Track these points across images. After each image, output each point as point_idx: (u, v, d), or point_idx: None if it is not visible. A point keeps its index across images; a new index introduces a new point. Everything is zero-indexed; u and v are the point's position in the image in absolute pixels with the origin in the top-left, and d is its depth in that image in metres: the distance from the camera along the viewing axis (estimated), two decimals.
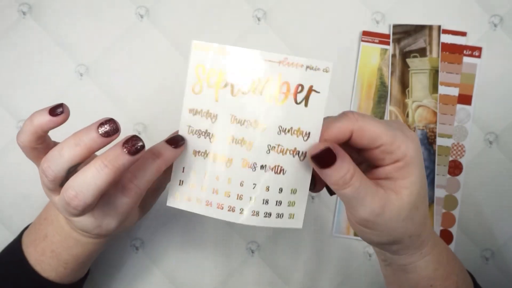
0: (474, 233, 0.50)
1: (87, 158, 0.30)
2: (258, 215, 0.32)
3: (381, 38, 0.50)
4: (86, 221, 0.33)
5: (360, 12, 0.50)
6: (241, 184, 0.32)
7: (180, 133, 0.33)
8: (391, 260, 0.36)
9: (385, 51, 0.50)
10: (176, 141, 0.32)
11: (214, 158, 0.32)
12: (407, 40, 0.49)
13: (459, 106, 0.49)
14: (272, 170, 0.32)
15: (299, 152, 0.32)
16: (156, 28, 0.50)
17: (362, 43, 0.50)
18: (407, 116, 0.49)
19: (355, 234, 0.49)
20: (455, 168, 0.49)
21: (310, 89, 0.31)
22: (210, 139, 0.32)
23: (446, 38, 0.49)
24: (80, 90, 0.50)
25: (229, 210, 0.33)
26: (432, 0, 0.50)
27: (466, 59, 0.49)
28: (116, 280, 0.49)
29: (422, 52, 0.49)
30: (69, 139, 0.30)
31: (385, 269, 0.38)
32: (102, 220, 0.33)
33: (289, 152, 0.32)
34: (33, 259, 0.38)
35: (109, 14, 0.50)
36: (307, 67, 0.31)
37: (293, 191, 0.33)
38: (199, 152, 0.33)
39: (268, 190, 0.32)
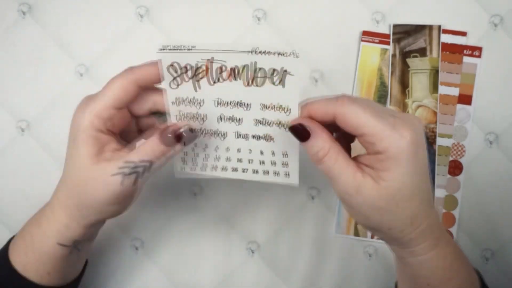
0: (474, 233, 0.50)
1: None
2: (258, 173, 0.38)
3: (381, 38, 0.50)
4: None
5: (360, 12, 0.50)
6: (239, 150, 0.37)
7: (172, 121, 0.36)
8: (390, 248, 0.36)
9: (385, 51, 0.50)
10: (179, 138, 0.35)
11: (209, 134, 0.37)
12: (407, 40, 0.49)
13: (459, 106, 0.49)
14: (262, 138, 0.36)
15: (283, 124, 0.35)
16: (156, 28, 0.50)
17: (362, 43, 0.50)
18: None
19: (356, 234, 0.49)
20: (455, 168, 0.49)
21: (284, 72, 0.34)
22: (200, 120, 0.36)
23: (446, 38, 0.49)
24: (80, 90, 0.50)
25: (233, 171, 0.38)
26: (432, 0, 0.50)
27: (466, 59, 0.49)
28: (116, 280, 0.49)
29: (422, 52, 0.49)
30: None
31: (393, 255, 0.38)
32: None
33: (275, 124, 0.36)
34: (20, 267, 0.37)
35: (109, 14, 0.50)
36: (279, 54, 0.33)
37: (285, 154, 0.37)
38: (195, 129, 0.36)
39: (263, 154, 0.37)
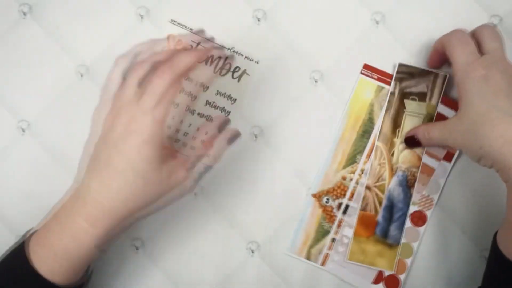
0: (474, 233, 0.50)
1: None
2: (186, 146, 0.43)
3: (380, 76, 0.49)
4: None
5: (359, 11, 0.50)
6: (181, 122, 0.45)
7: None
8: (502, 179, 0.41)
9: (381, 88, 0.49)
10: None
11: None
12: (409, 81, 0.49)
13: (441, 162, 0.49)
14: (205, 117, 0.46)
15: (226, 110, 0.46)
16: (156, 28, 0.50)
17: (361, 76, 0.49)
18: (392, 155, 0.49)
19: (307, 258, 0.49)
20: (419, 219, 0.49)
21: (244, 72, 0.44)
22: None
23: (442, 109, 0.49)
24: (80, 90, 0.50)
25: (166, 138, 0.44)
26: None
27: None
28: (116, 280, 0.49)
29: (421, 97, 0.49)
30: None
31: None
32: None
33: (219, 109, 0.46)
34: (49, 275, 0.37)
35: (109, 15, 0.50)
36: (246, 57, 0.44)
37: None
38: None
39: (198, 130, 0.43)
